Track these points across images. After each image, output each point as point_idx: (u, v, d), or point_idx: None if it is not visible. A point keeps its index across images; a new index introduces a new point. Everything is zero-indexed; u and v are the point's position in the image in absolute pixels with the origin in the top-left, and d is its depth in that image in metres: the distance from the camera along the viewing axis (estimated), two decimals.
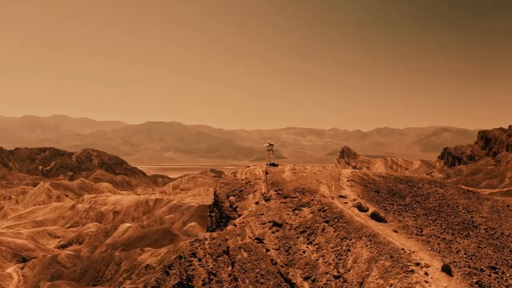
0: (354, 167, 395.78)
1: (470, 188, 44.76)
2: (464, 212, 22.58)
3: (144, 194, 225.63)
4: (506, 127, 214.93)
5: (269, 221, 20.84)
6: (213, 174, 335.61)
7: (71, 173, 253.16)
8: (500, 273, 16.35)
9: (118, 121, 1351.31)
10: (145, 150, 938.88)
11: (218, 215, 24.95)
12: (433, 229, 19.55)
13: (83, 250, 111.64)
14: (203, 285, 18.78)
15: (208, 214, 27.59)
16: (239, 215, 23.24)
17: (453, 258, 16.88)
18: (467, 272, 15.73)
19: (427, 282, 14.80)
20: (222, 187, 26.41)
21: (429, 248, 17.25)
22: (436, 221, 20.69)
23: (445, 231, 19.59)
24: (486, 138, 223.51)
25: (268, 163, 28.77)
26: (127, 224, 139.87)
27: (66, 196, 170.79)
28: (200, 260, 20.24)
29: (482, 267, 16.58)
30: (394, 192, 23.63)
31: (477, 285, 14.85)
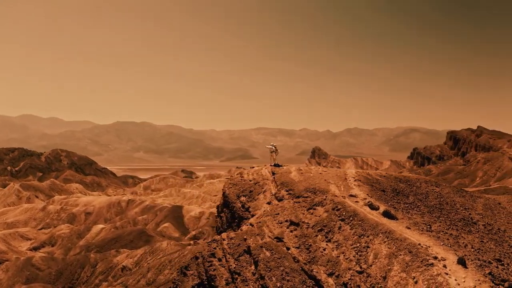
0: (325, 167, 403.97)
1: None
2: (462, 210, 24.28)
3: (115, 195, 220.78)
4: (474, 127, 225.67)
5: (286, 220, 21.58)
6: (184, 175, 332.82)
7: (40, 174, 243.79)
8: (505, 265, 17.91)
9: (87, 121, 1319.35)
10: (115, 151, 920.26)
11: (229, 215, 25.40)
12: (439, 226, 21.00)
13: (57, 252, 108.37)
14: (226, 284, 19.27)
15: (216, 215, 27.94)
16: (253, 215, 23.83)
17: (463, 252, 18.32)
18: (478, 264, 17.17)
19: (447, 274, 16.06)
20: (231, 187, 26.89)
21: (441, 243, 18.61)
22: (440, 218, 22.18)
23: (450, 227, 21.09)
24: (455, 139, 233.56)
25: (272, 164, 29.51)
26: (100, 226, 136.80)
27: (37, 197, 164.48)
28: (220, 260, 20.69)
29: (489, 259, 18.09)
30: (397, 191, 25.01)
31: (490, 276, 16.28)
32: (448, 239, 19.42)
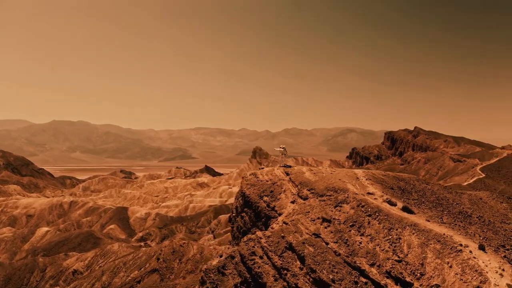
0: (266, 167, 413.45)
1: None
2: (455, 204, 27.83)
3: (53, 197, 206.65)
4: (409, 128, 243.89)
5: (318, 218, 23.28)
6: (123, 175, 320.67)
7: None
8: (510, 250, 21.31)
9: (22, 120, 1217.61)
10: (51, 150, 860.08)
11: (253, 214, 26.45)
12: (448, 218, 24.11)
13: (1, 257, 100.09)
14: (275, 280, 20.46)
15: (233, 214, 28.77)
16: (279, 214, 25.19)
17: (477, 240, 21.44)
18: (493, 250, 20.33)
19: (475, 258, 18.90)
20: (250, 188, 27.95)
21: (458, 233, 21.59)
22: (444, 212, 25.38)
23: (455, 220, 24.30)
24: (392, 139, 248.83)
25: (282, 165, 31.04)
26: (45, 229, 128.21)
27: None
28: (261, 258, 21.79)
29: (497, 245, 21.40)
30: (402, 189, 27.92)
31: (506, 259, 19.45)
32: (459, 230, 22.51)
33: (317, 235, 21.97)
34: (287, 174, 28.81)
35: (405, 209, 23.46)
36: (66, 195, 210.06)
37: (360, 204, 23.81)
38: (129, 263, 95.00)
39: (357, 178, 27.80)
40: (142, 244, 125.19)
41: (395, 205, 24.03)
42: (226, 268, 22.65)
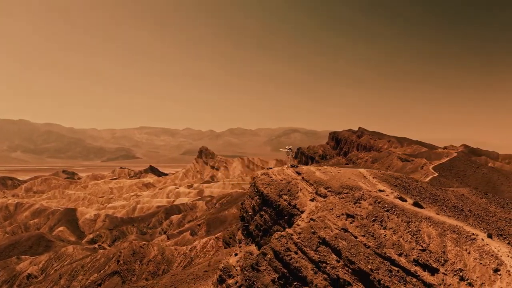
0: (213, 167, 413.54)
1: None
2: (447, 200, 31.23)
3: None
4: (354, 128, 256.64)
5: (342, 214, 25.03)
6: (65, 175, 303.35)
7: None
8: (507, 238, 24.73)
9: None
10: None
11: (274, 213, 27.56)
12: (449, 212, 27.17)
13: None
14: (315, 273, 21.83)
15: (249, 213, 29.56)
16: (302, 211, 26.60)
17: (481, 229, 24.59)
18: (497, 238, 23.52)
19: (488, 244, 21.82)
20: (266, 187, 29.00)
21: (466, 224, 24.59)
22: (442, 207, 28.49)
23: (454, 213, 27.45)
24: (337, 139, 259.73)
25: (290, 165, 32.44)
26: None
27: None
28: (296, 253, 23.03)
29: (495, 234, 24.72)
30: (402, 186, 30.70)
31: (510, 245, 22.68)
32: (464, 221, 25.60)
33: (345, 230, 23.68)
34: (298, 173, 30.20)
35: (416, 204, 26.05)
36: (8, 196, 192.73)
37: (376, 200, 25.96)
38: (87, 265, 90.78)
39: (364, 176, 30.05)
40: (96, 246, 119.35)
41: (405, 201, 26.54)
42: (260, 265, 23.53)
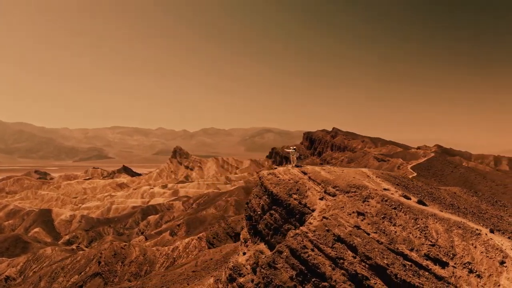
0: (187, 167, 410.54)
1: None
2: (442, 198, 32.86)
3: None
4: (326, 128, 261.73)
5: (353, 212, 25.97)
6: (37, 176, 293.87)
7: None
8: (505, 233, 26.41)
9: None
10: None
11: (284, 212, 28.20)
12: (449, 210, 28.67)
13: None
14: (333, 269, 22.62)
15: (258, 212, 30.04)
16: (313, 210, 27.37)
17: (482, 225, 26.14)
18: (498, 233, 25.12)
19: (492, 239, 23.31)
20: (275, 187, 29.57)
21: (468, 220, 26.08)
22: (442, 205, 30.00)
23: (454, 211, 29.00)
24: (311, 139, 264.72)
25: (294, 165, 33.16)
26: None
27: None
28: (313, 250, 23.75)
29: (495, 230, 26.34)
30: (402, 184, 32.04)
31: (509, 239, 24.30)
32: (464, 218, 27.12)
33: (358, 227, 24.61)
34: (304, 173, 30.96)
35: (420, 202, 27.37)
36: None
37: (383, 198, 27.08)
38: (67, 267, 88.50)
39: (368, 176, 31.18)
40: (74, 247, 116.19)
41: (409, 199, 27.81)
42: (277, 263, 24.09)
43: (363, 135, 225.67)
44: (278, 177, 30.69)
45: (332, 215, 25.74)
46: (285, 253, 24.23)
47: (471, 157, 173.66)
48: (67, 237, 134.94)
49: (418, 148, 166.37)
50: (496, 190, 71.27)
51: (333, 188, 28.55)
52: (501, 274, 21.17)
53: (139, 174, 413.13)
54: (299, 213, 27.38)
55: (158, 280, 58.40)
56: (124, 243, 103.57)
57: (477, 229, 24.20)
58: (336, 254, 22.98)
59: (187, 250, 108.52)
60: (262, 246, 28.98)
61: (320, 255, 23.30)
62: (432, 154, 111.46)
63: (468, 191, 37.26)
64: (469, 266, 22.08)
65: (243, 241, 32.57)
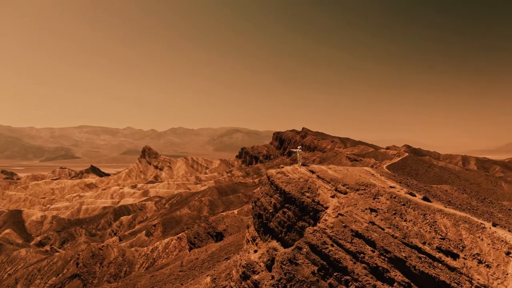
0: (156, 167, 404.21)
1: None
2: (438, 195, 34.75)
3: None
4: (296, 128, 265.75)
5: (366, 208, 27.11)
6: (4, 176, 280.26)
7: None
8: (504, 227, 28.41)
9: None
10: None
11: (298, 209, 28.95)
12: (448, 206, 30.44)
13: None
14: (354, 263, 23.60)
15: (270, 211, 30.62)
16: (325, 207, 28.29)
17: (483, 220, 27.99)
18: (500, 226, 27.00)
19: (496, 232, 25.09)
20: (287, 185, 30.25)
21: (471, 215, 27.85)
22: (441, 201, 31.78)
23: (453, 207, 30.82)
24: (280, 139, 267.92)
25: (301, 164, 33.99)
26: None
27: None
28: (333, 245, 24.63)
29: (496, 223, 28.28)
30: (403, 182, 33.62)
31: (510, 232, 26.24)
32: (466, 213, 28.92)
33: (373, 223, 25.73)
34: (312, 172, 31.86)
35: (425, 198, 28.92)
36: None
37: (392, 195, 28.41)
38: (44, 269, 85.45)
39: (372, 174, 32.50)
40: (49, 249, 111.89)
41: (415, 196, 29.32)
42: (297, 259, 24.78)
43: (333, 135, 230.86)
44: (287, 176, 31.37)
45: (347, 211, 26.72)
46: (304, 249, 24.94)
47: (439, 157, 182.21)
48: (39, 238, 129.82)
49: (387, 148, 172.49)
50: (471, 189, 75.69)
51: (344, 186, 29.57)
52: (508, 263, 22.93)
53: (108, 174, 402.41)
54: (312, 210, 28.16)
55: (147, 281, 57.60)
56: (102, 244, 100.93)
57: (481, 223, 25.97)
58: (356, 249, 23.97)
59: (166, 251, 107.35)
60: (274, 243, 29.53)
61: (340, 250, 24.20)
62: (406, 154, 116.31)
63: (458, 189, 39.55)
64: (478, 257, 23.72)
65: (251, 239, 32.98)
